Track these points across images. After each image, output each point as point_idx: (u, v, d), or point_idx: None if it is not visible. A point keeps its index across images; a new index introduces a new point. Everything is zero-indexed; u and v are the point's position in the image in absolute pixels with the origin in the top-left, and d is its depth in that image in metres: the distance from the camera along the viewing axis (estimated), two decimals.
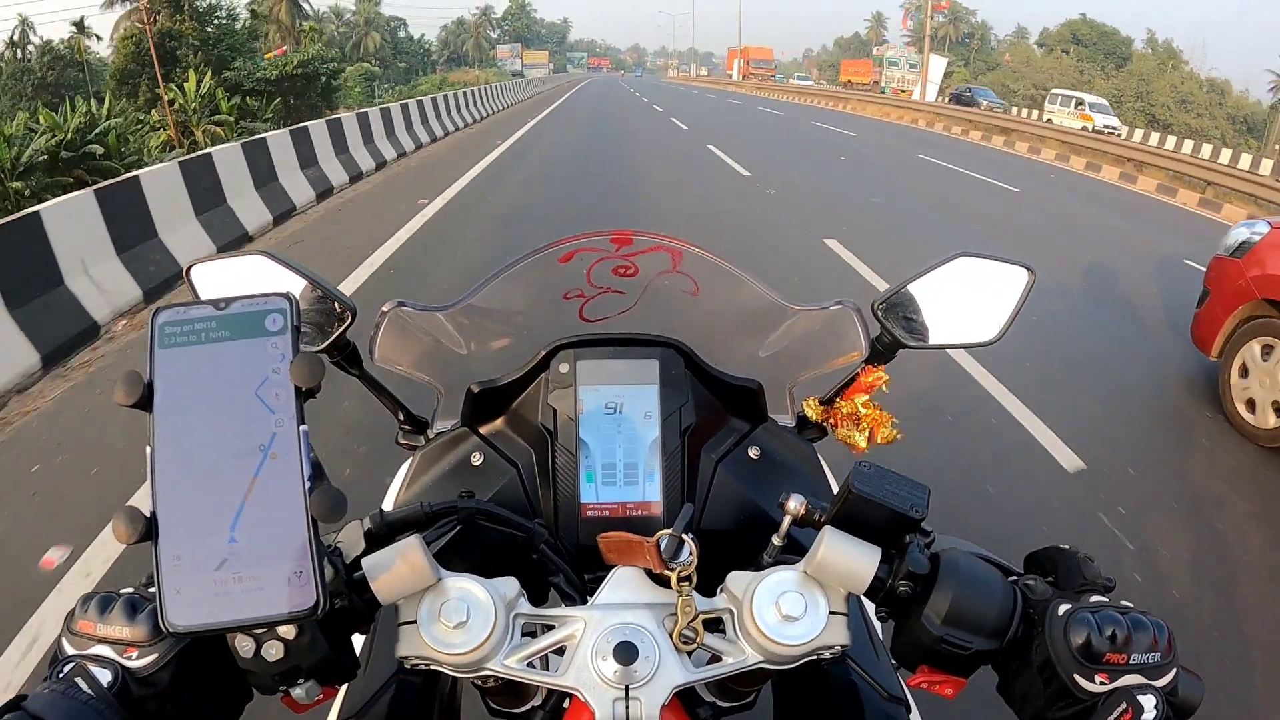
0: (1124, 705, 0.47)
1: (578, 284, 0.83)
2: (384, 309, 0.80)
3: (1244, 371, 3.73)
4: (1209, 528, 2.91)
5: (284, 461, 0.41)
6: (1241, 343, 3.76)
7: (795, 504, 0.56)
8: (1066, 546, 0.56)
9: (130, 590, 0.51)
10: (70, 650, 0.47)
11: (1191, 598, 2.52)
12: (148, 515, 0.40)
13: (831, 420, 0.82)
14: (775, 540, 0.59)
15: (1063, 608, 0.50)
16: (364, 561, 0.51)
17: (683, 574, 0.54)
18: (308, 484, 0.41)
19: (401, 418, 0.88)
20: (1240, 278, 3.77)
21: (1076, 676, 0.48)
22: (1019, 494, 3.03)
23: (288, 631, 0.45)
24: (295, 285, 0.73)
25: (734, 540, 0.73)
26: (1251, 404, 3.65)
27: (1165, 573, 2.62)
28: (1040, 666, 0.50)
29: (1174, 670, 0.49)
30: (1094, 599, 0.51)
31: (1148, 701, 0.46)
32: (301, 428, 0.41)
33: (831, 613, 0.53)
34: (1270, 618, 2.44)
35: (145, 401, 0.41)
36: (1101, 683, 0.48)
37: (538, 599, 0.69)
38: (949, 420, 3.59)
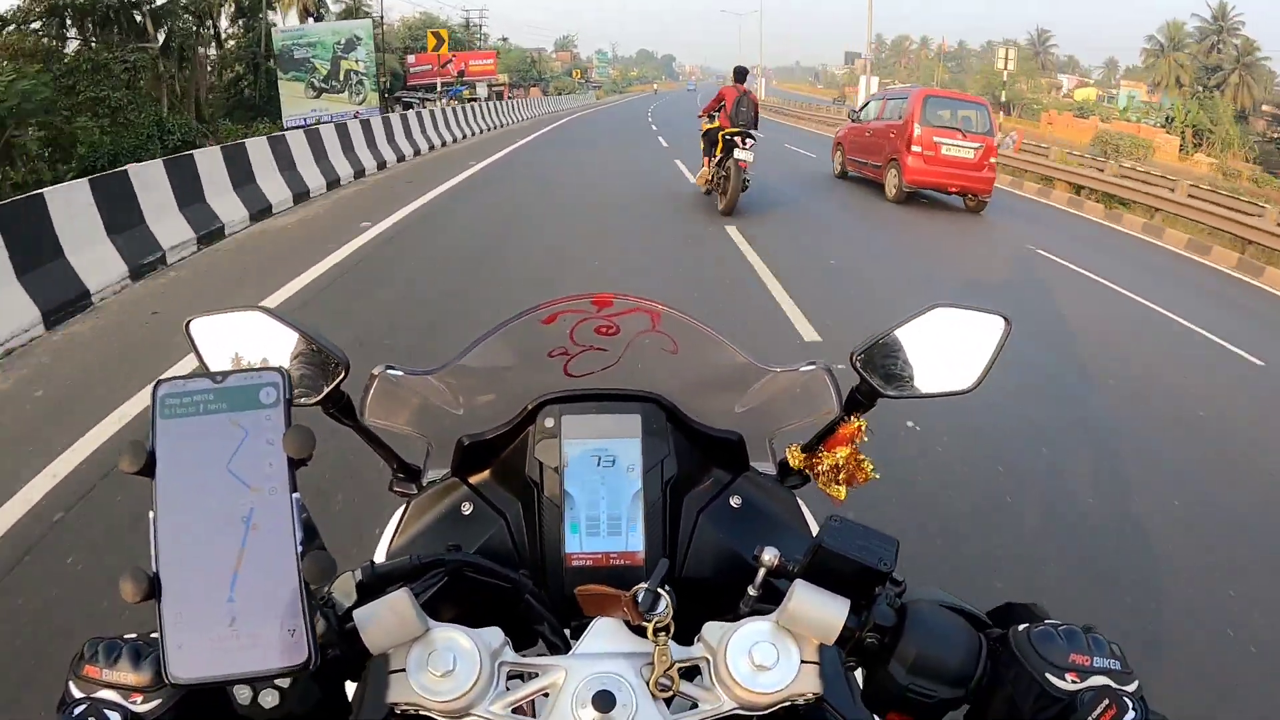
0: (1106, 702, 0.49)
1: (561, 343, 0.85)
2: (373, 373, 0.83)
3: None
4: None
5: (277, 528, 0.43)
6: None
7: (769, 556, 0.59)
8: (1032, 603, 0.59)
9: (134, 636, 0.53)
10: (77, 694, 0.50)
11: None
12: (151, 575, 0.43)
13: (813, 470, 0.84)
14: (750, 591, 0.61)
15: (1023, 627, 0.55)
16: (355, 613, 0.53)
17: (659, 625, 0.56)
18: (300, 548, 0.43)
19: (395, 466, 0.90)
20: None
21: (1048, 675, 0.51)
22: None
23: (283, 680, 0.48)
24: (290, 339, 0.75)
25: (715, 587, 0.74)
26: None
27: None
28: (1013, 680, 0.52)
29: (1137, 682, 0.51)
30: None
31: (1128, 701, 0.49)
32: (294, 495, 0.44)
33: (803, 662, 0.55)
34: None
35: (148, 469, 0.44)
36: (1073, 681, 0.51)
37: (524, 644, 0.70)
38: None
